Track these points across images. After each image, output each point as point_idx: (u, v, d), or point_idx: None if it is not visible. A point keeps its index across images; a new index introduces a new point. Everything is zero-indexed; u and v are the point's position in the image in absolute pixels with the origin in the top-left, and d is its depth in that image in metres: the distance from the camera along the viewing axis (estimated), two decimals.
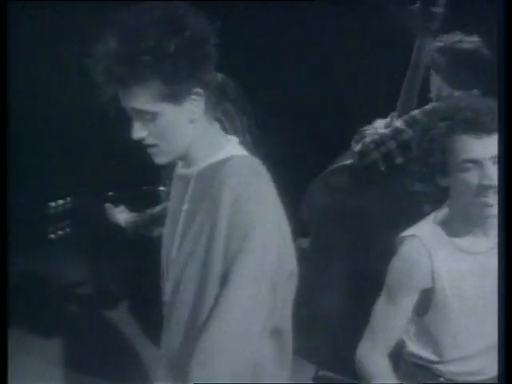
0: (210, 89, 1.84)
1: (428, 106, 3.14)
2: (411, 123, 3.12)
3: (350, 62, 3.57)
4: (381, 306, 2.26)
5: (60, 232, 3.06)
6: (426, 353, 2.27)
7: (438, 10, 3.03)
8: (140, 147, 1.87)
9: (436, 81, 3.23)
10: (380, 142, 3.13)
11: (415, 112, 3.14)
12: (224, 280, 1.75)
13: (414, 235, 2.23)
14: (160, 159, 1.86)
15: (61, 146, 4.40)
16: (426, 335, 2.26)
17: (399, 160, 3.15)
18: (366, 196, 3.30)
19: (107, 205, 3.15)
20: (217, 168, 1.84)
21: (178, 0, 1.81)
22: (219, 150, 1.87)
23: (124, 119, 1.88)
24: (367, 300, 2.28)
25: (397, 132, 3.13)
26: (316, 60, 3.75)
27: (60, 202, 3.05)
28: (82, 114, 4.33)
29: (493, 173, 2.10)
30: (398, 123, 3.15)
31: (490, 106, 2.16)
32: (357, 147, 3.16)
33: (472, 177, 2.14)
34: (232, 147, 1.90)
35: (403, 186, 3.40)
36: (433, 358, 2.26)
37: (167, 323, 1.90)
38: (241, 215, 1.75)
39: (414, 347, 2.28)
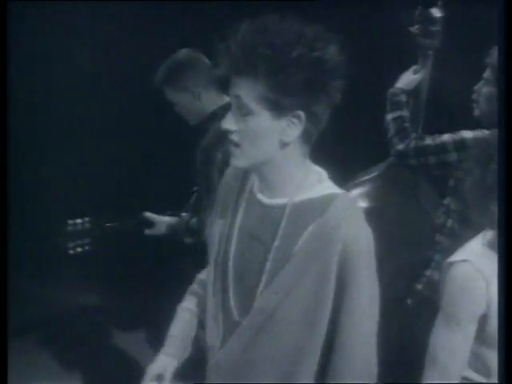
0: (314, 124, 1.79)
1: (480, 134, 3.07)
2: (459, 148, 3.05)
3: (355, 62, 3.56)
4: (445, 336, 2.23)
5: (79, 249, 3.12)
6: (473, 374, 2.27)
7: (437, 28, 3.05)
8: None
9: (493, 94, 2.94)
10: (422, 153, 3.08)
11: (466, 136, 3.00)
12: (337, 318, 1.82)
13: (466, 260, 2.21)
14: (237, 161, 1.83)
15: (62, 149, 4.40)
16: (476, 357, 2.26)
17: (436, 173, 3.13)
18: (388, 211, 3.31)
19: (148, 214, 3.24)
20: (315, 205, 1.82)
21: None
22: (314, 185, 1.85)
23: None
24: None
25: (442, 150, 3.07)
26: None
27: (78, 220, 3.12)
28: (82, 114, 4.33)
29: None
30: (446, 140, 3.05)
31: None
32: (400, 146, 3.11)
33: None
34: (326, 183, 1.87)
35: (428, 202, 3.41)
36: (481, 379, 2.26)
37: (240, 344, 1.89)
38: (352, 256, 1.80)
39: (466, 370, 2.28)
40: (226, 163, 2.91)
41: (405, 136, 3.09)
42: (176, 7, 3.82)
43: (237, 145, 1.80)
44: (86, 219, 3.15)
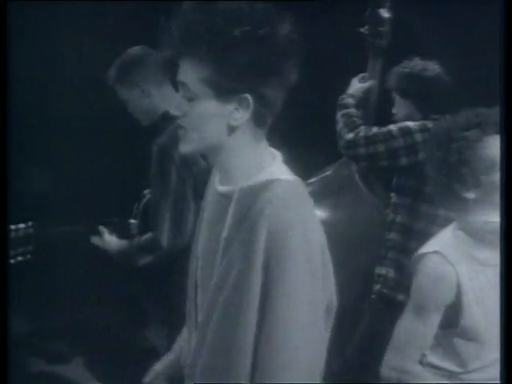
0: (266, 106, 1.70)
1: (427, 122, 3.19)
2: (405, 133, 3.17)
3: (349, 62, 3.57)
4: (408, 323, 2.25)
5: (20, 258, 2.83)
6: (447, 364, 2.28)
7: (385, 29, 3.15)
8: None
9: (404, 106, 3.32)
10: (371, 141, 3.16)
11: (410, 124, 3.19)
12: (263, 314, 1.66)
13: (436, 251, 2.23)
14: (183, 146, 1.76)
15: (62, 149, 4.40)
16: (448, 347, 2.27)
17: (384, 163, 3.19)
18: (337, 209, 3.35)
19: (101, 228, 3.05)
20: (258, 191, 1.71)
21: None
22: (262, 169, 1.74)
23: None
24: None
25: (389, 137, 3.17)
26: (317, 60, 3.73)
27: (21, 225, 2.83)
28: (81, 115, 4.33)
29: None
30: (392, 128, 3.19)
31: (482, 111, 2.21)
32: (349, 135, 3.18)
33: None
34: (276, 168, 1.76)
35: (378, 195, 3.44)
36: (454, 368, 2.27)
37: (200, 344, 1.76)
38: (278, 244, 1.64)
39: (434, 358, 2.28)
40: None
41: (354, 127, 3.20)
42: (176, 7, 3.81)
43: (183, 129, 1.75)
44: (30, 224, 2.91)
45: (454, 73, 3.34)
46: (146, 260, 2.98)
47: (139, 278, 3.08)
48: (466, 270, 2.21)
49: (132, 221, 3.09)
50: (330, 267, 1.77)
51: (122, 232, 3.04)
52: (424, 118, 3.26)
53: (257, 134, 1.74)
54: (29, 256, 2.86)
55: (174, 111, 1.75)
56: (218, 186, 1.80)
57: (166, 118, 2.90)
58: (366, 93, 3.32)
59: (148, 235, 2.98)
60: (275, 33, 1.65)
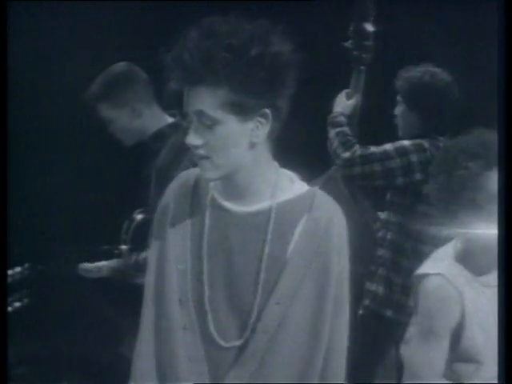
0: (278, 119, 1.74)
1: (424, 142, 3.23)
2: (401, 153, 3.20)
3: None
4: (419, 348, 2.25)
5: (17, 303, 2.84)
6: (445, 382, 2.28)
7: (370, 43, 3.18)
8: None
9: (408, 115, 3.33)
10: (367, 160, 3.18)
11: (407, 143, 3.22)
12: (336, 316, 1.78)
13: (439, 273, 2.22)
14: (209, 174, 1.74)
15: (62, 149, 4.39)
16: (446, 368, 2.27)
17: (380, 183, 3.21)
18: None
19: (84, 264, 3.00)
20: (300, 203, 1.76)
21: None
22: (291, 182, 1.80)
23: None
24: None
25: (386, 157, 3.18)
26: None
27: (17, 269, 2.82)
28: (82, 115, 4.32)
29: None
30: (388, 148, 3.20)
31: (489, 140, 2.21)
32: (345, 154, 3.19)
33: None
34: (300, 182, 1.83)
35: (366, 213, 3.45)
36: None
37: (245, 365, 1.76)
38: (343, 251, 1.80)
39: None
40: None
41: (350, 145, 3.21)
42: (177, 8, 3.82)
43: (205, 157, 1.72)
44: (26, 266, 2.90)
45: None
46: (142, 279, 2.91)
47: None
48: (468, 292, 2.21)
49: (123, 247, 2.98)
50: None
51: (113, 259, 2.97)
52: (422, 134, 3.27)
53: (271, 149, 1.78)
54: (25, 300, 2.88)
55: (191, 141, 1.72)
56: (230, 205, 1.78)
57: (157, 139, 2.90)
58: (353, 109, 3.32)
59: (144, 252, 2.87)
60: (282, 47, 1.70)
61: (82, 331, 4.07)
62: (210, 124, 1.69)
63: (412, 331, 2.33)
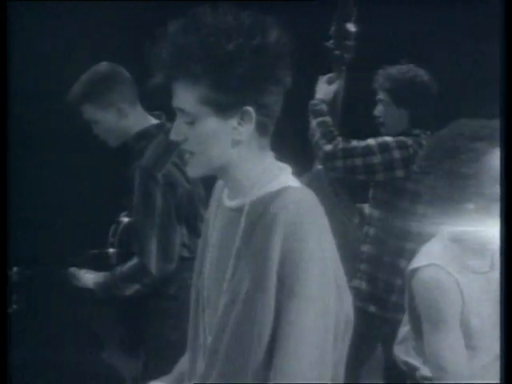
0: (268, 115, 1.68)
1: (407, 139, 3.23)
2: (383, 149, 3.20)
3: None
4: (438, 342, 2.22)
5: (14, 306, 2.79)
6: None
7: (351, 43, 3.17)
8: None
9: (394, 112, 3.33)
10: (349, 154, 3.18)
11: (389, 140, 3.22)
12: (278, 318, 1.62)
13: (431, 263, 2.22)
14: (192, 170, 1.73)
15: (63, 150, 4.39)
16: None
17: (360, 177, 3.22)
18: None
19: (72, 269, 2.92)
20: (270, 200, 1.67)
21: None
22: (272, 179, 1.72)
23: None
24: None
25: (368, 152, 3.18)
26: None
27: (15, 269, 2.78)
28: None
29: None
30: (371, 143, 3.21)
31: (488, 123, 2.22)
32: (327, 146, 3.18)
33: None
34: (285, 177, 1.74)
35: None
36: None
37: (209, 366, 1.72)
38: (292, 251, 1.61)
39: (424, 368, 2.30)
40: (168, 185, 2.76)
41: (332, 138, 3.20)
42: (178, 8, 3.81)
43: (190, 153, 1.71)
44: (15, 270, 2.85)
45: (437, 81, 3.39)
46: (132, 289, 2.81)
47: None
48: (462, 278, 2.21)
49: (110, 250, 2.92)
50: (344, 279, 1.73)
51: (101, 263, 2.90)
52: (407, 131, 3.28)
53: (262, 144, 1.72)
54: (15, 306, 2.83)
55: (174, 137, 1.71)
56: (226, 201, 1.77)
57: (141, 138, 2.86)
58: (334, 96, 3.31)
59: (133, 262, 2.81)
60: (266, 40, 1.64)
61: (67, 337, 4.04)
62: (190, 121, 1.67)
63: (405, 331, 2.34)
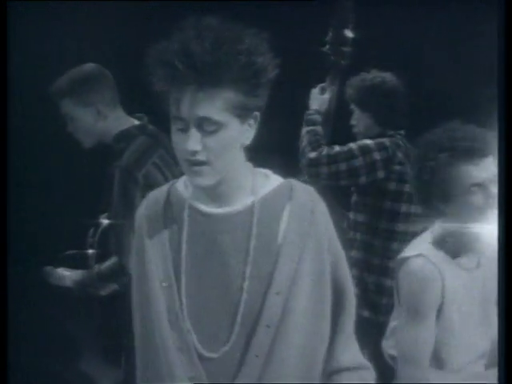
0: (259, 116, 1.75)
1: (384, 140, 3.30)
2: (364, 152, 3.27)
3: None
4: (408, 331, 2.27)
5: None
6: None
7: (348, 49, 3.22)
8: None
9: (363, 119, 3.45)
10: (333, 160, 3.21)
11: (369, 142, 3.30)
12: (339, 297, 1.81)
13: (419, 254, 2.27)
14: (206, 180, 1.72)
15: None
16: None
17: (344, 182, 3.25)
18: None
19: (47, 268, 2.92)
20: (280, 193, 1.77)
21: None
22: (265, 180, 1.80)
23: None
24: None
25: (350, 156, 3.23)
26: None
27: None
28: None
29: (495, 190, 2.24)
30: (353, 147, 3.25)
31: (481, 132, 2.30)
32: (312, 154, 3.23)
33: (477, 199, 2.27)
34: (275, 176, 1.84)
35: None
36: (433, 371, 2.30)
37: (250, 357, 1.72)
38: (332, 239, 1.81)
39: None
40: (147, 185, 2.68)
41: (317, 145, 3.26)
42: (179, 8, 3.82)
43: (204, 163, 1.69)
44: None
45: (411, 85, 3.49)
46: (109, 289, 2.81)
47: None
48: (448, 271, 2.25)
49: (89, 251, 2.91)
50: None
51: (80, 265, 2.86)
52: (381, 134, 3.33)
53: (243, 150, 1.78)
54: None
55: (192, 147, 1.67)
56: (205, 208, 1.76)
57: (121, 139, 2.85)
58: (328, 105, 3.35)
59: (111, 261, 2.81)
60: (264, 44, 1.70)
61: (42, 343, 3.96)
62: (214, 129, 1.66)
63: (394, 325, 2.37)
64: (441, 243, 2.31)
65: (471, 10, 3.85)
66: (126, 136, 2.87)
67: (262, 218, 1.74)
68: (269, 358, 1.70)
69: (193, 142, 1.67)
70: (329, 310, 1.76)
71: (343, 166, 3.23)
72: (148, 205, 1.85)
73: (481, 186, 2.26)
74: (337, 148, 3.27)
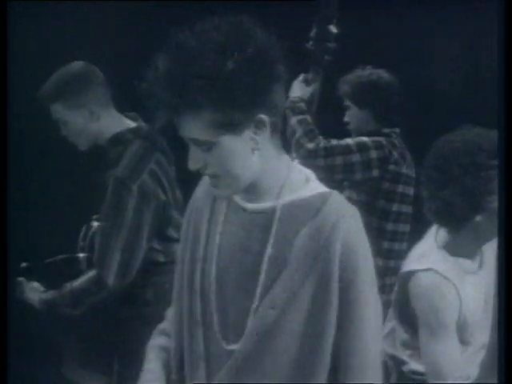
0: (277, 114, 1.66)
1: (382, 139, 3.29)
2: (361, 149, 3.24)
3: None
4: (434, 347, 2.23)
5: None
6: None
7: (333, 45, 3.16)
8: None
9: (360, 115, 3.44)
10: (330, 153, 3.19)
11: (366, 139, 3.27)
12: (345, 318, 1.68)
13: (429, 268, 2.23)
14: (221, 192, 1.70)
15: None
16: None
17: (339, 177, 3.23)
18: None
19: (20, 279, 2.77)
20: (309, 205, 1.68)
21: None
22: (301, 183, 1.72)
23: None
24: None
25: (348, 151, 3.21)
26: None
27: None
28: None
29: None
30: (350, 142, 3.25)
31: (489, 135, 2.20)
32: (310, 145, 3.19)
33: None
34: (315, 183, 1.74)
35: None
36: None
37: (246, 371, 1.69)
38: (352, 260, 1.67)
39: (419, 366, 2.30)
40: (143, 196, 2.65)
41: (314, 136, 3.22)
42: (179, 8, 3.82)
43: (214, 176, 1.66)
44: None
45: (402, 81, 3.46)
46: (83, 307, 2.69)
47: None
48: (458, 281, 2.23)
49: (80, 255, 2.78)
50: None
51: (71, 269, 2.76)
52: (376, 131, 3.35)
53: (275, 142, 1.70)
54: None
55: (193, 167, 1.65)
56: (242, 202, 1.73)
57: (117, 143, 2.75)
58: (311, 96, 3.31)
59: (87, 276, 2.69)
60: (258, 43, 1.60)
61: (24, 350, 3.94)
62: (206, 148, 1.62)
63: (391, 325, 2.36)
64: (445, 251, 2.27)
65: (466, 6, 3.86)
66: (121, 140, 2.77)
67: (282, 226, 1.68)
68: (251, 368, 1.69)
69: (192, 161, 1.65)
70: (330, 333, 1.68)
71: (339, 160, 3.20)
72: (201, 189, 1.84)
73: None
74: (334, 141, 3.25)
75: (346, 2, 3.07)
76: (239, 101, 1.58)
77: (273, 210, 1.69)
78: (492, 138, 2.17)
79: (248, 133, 1.63)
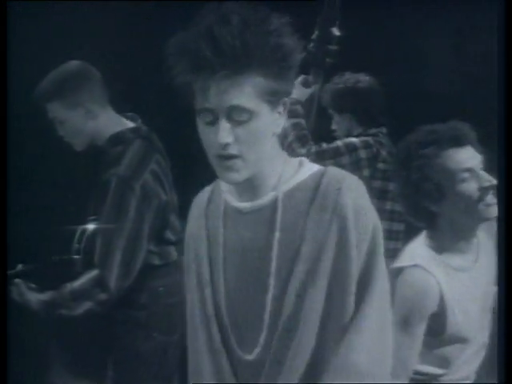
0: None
1: (369, 139, 3.35)
2: (350, 149, 3.29)
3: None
4: (397, 338, 2.25)
5: None
6: (430, 368, 2.31)
7: (335, 47, 3.18)
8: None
9: (343, 121, 3.51)
10: (321, 158, 3.27)
11: (355, 140, 3.33)
12: (362, 291, 1.63)
13: (416, 264, 2.26)
14: (238, 175, 1.61)
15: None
16: (435, 353, 2.31)
17: None
18: None
19: (17, 281, 2.70)
20: (308, 184, 1.65)
21: None
22: (296, 169, 1.69)
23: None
24: None
25: (338, 153, 3.25)
26: None
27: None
28: None
29: (486, 174, 2.24)
30: (339, 144, 3.30)
31: (458, 123, 2.31)
32: (301, 150, 3.24)
33: (470, 185, 2.24)
34: (309, 165, 1.72)
35: None
36: (439, 371, 2.32)
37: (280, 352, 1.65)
38: (366, 221, 1.63)
39: (419, 366, 2.31)
40: (144, 196, 2.64)
41: (305, 141, 3.26)
42: (179, 8, 3.82)
43: (236, 157, 1.59)
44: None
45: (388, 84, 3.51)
46: (83, 308, 2.65)
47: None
48: (445, 278, 2.25)
49: (75, 257, 2.74)
50: None
51: (65, 271, 2.72)
52: (364, 132, 3.40)
53: (278, 139, 1.70)
54: None
55: (224, 139, 1.57)
56: (236, 203, 1.70)
57: (117, 143, 2.73)
58: (310, 98, 3.31)
59: (89, 276, 2.66)
60: (286, 26, 1.62)
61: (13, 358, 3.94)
62: (246, 119, 1.57)
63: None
64: (434, 248, 2.31)
65: (467, 5, 3.86)
66: (121, 139, 2.74)
67: (287, 213, 1.65)
68: (284, 360, 1.65)
69: (224, 133, 1.56)
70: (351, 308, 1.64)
71: (330, 164, 3.22)
72: (194, 205, 1.81)
73: (472, 171, 2.24)
74: (324, 145, 3.28)
75: (347, 3, 3.08)
76: (283, 73, 1.59)
77: (274, 202, 1.67)
78: (423, 132, 2.31)
79: (275, 113, 1.62)
